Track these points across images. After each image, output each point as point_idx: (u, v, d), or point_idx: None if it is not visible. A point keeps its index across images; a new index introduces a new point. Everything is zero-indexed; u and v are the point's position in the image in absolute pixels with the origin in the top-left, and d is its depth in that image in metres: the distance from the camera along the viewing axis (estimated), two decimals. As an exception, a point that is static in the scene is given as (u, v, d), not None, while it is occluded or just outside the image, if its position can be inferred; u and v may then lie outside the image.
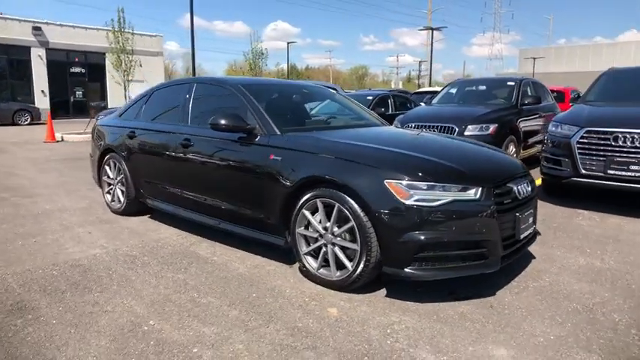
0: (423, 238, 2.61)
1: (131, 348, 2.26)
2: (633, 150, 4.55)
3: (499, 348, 2.29)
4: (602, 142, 4.75)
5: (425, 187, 2.66)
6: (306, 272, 3.10)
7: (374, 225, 2.70)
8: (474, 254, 2.72)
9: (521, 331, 2.45)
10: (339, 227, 2.89)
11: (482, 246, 2.72)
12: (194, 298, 2.84)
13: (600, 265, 3.43)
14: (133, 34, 16.37)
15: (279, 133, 3.35)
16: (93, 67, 26.05)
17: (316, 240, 3.03)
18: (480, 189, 2.71)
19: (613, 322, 2.55)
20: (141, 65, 17.83)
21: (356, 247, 2.78)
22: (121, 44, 16.08)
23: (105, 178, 4.95)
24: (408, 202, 2.63)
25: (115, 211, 4.84)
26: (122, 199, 4.73)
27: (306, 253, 3.08)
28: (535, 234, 3.31)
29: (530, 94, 7.64)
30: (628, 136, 4.58)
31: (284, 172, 3.12)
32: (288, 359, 2.17)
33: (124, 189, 4.69)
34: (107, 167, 4.88)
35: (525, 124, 7.13)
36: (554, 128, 5.34)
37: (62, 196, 5.79)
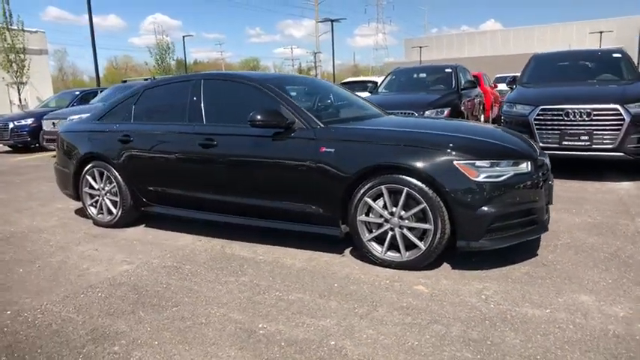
0: (494, 210, 2.88)
1: (269, 353, 2.21)
2: (582, 123, 5.34)
3: (580, 295, 2.66)
4: (555, 117, 5.49)
5: (488, 165, 2.94)
6: (371, 257, 3.21)
7: (446, 204, 2.91)
8: (529, 221, 3.07)
9: (584, 280, 2.86)
10: (405, 210, 3.05)
11: (533, 213, 3.08)
12: (280, 296, 2.81)
13: (592, 221, 4.04)
14: (22, 30, 14.44)
15: (322, 125, 3.38)
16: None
17: (380, 225, 3.15)
18: (529, 162, 3.06)
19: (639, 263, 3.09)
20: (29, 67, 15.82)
21: (428, 226, 2.97)
22: (9, 42, 14.10)
23: (86, 189, 4.49)
24: (478, 180, 2.88)
25: (104, 225, 4.43)
26: (114, 210, 4.35)
27: (369, 240, 3.19)
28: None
29: (463, 79, 8.41)
30: (577, 111, 5.36)
31: (340, 163, 3.19)
32: (424, 334, 2.31)
33: (116, 199, 4.31)
34: (89, 177, 4.43)
35: (466, 107, 7.86)
36: (508, 108, 6.02)
37: (17, 215, 5.11)
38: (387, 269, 3.13)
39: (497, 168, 2.94)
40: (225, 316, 2.59)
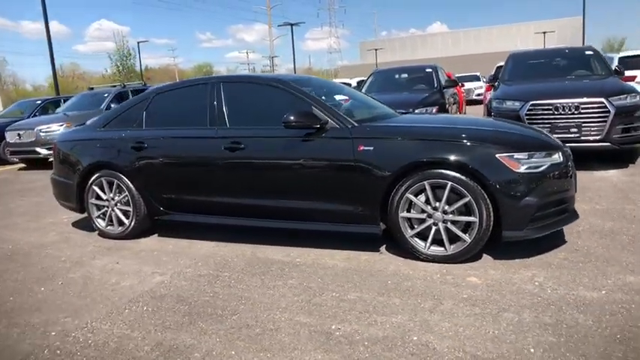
0: (536, 200, 2.99)
1: (357, 354, 2.19)
2: (571, 116, 5.64)
3: (626, 276, 2.80)
4: (545, 112, 5.75)
5: (526, 157, 3.05)
6: (414, 253, 3.24)
7: (490, 196, 2.99)
8: (562, 209, 3.21)
9: (622, 262, 3.01)
10: (449, 205, 3.11)
11: (566, 201, 3.22)
12: (338, 297, 2.78)
13: (600, 207, 4.27)
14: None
15: (356, 124, 3.39)
16: None
17: (423, 221, 3.19)
18: (560, 153, 3.20)
19: (663, 243, 3.30)
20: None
21: (473, 219, 3.04)
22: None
23: (93, 200, 4.25)
24: (520, 171, 2.98)
25: (114, 237, 4.22)
26: (126, 220, 4.15)
27: (412, 236, 3.22)
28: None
29: (442, 79, 8.66)
30: (566, 105, 5.65)
31: (380, 161, 3.20)
32: (500, 323, 2.35)
33: (128, 209, 4.12)
34: (96, 188, 4.21)
35: (449, 104, 8.09)
36: (498, 105, 6.25)
37: (8, 233, 4.78)
38: (431, 264, 3.17)
39: (535, 159, 3.06)
40: (292, 321, 2.53)
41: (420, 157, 3.10)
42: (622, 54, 10.76)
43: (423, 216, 3.18)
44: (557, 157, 3.16)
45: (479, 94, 23.01)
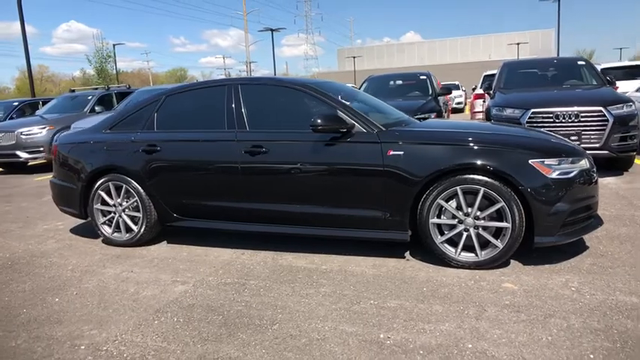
0: (568, 206, 3.01)
1: (414, 361, 2.13)
2: (571, 124, 5.76)
3: (658, 281, 2.84)
4: (546, 120, 5.86)
5: (557, 163, 3.07)
6: (444, 259, 3.20)
7: (523, 202, 2.99)
8: (589, 215, 3.24)
9: (650, 266, 3.07)
10: (481, 210, 3.09)
11: (592, 207, 3.26)
12: (378, 305, 2.72)
13: (609, 213, 4.35)
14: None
15: (384, 129, 3.34)
16: None
17: (453, 227, 3.17)
18: (586, 159, 3.24)
19: (682, 248, 3.37)
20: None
21: (506, 224, 3.04)
22: None
23: (98, 206, 4.06)
24: (552, 177, 3.00)
25: (121, 244, 4.03)
26: (135, 227, 3.97)
27: (442, 242, 3.19)
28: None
29: (435, 85, 8.74)
30: (566, 113, 5.77)
31: (411, 166, 3.16)
32: (551, 329, 2.34)
33: (137, 215, 3.95)
34: (102, 193, 4.02)
35: (445, 111, 8.18)
36: (498, 112, 6.33)
37: (7, 240, 4.51)
38: (461, 270, 3.14)
39: (565, 165, 3.08)
40: (336, 330, 2.45)
41: (453, 163, 3.08)
42: (604, 65, 11.13)
43: (454, 222, 3.16)
44: (584, 164, 3.20)
45: (458, 103, 23.50)
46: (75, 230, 4.69)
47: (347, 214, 3.38)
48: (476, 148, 3.11)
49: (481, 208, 3.09)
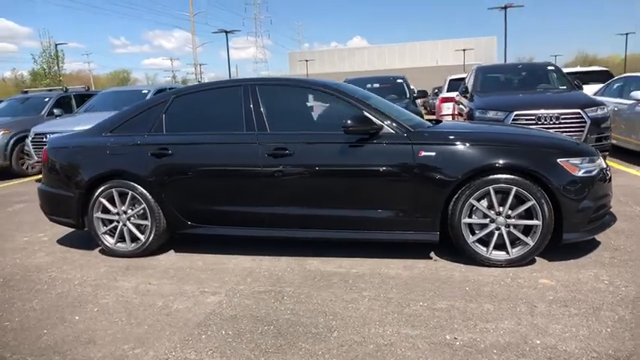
0: (593, 203, 3.15)
1: (493, 360, 2.13)
2: (552, 126, 6.05)
3: (677, 271, 3.03)
4: (529, 122, 6.12)
5: (580, 162, 3.20)
6: (476, 258, 3.24)
7: (553, 200, 3.09)
8: (606, 212, 3.40)
9: (665, 257, 3.26)
10: (512, 209, 3.16)
11: (608, 204, 3.42)
12: (429, 306, 2.70)
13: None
14: None
15: (412, 130, 3.34)
16: None
17: (484, 226, 3.22)
18: (601, 159, 3.40)
19: (682, 240, 3.62)
20: None
21: (537, 222, 3.12)
22: None
23: (99, 215, 3.77)
24: (578, 175, 3.12)
25: (126, 255, 3.77)
26: (142, 236, 3.73)
27: (474, 241, 3.23)
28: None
29: (411, 88, 8.93)
30: (547, 115, 6.06)
31: (443, 166, 3.18)
32: (605, 321, 2.41)
33: (144, 223, 3.71)
34: (104, 200, 3.74)
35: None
36: (481, 115, 6.55)
37: (-16, 255, 4.09)
38: (494, 269, 3.19)
39: (587, 164, 3.21)
40: (399, 334, 2.41)
41: (487, 162, 3.12)
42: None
43: (486, 221, 3.21)
44: (601, 162, 3.35)
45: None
46: (63, 242, 4.33)
47: (376, 217, 3.34)
48: (507, 148, 3.18)
49: (511, 207, 3.16)
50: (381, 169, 3.30)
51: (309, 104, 3.64)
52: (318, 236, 3.48)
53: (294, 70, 49.92)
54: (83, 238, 4.31)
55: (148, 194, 3.65)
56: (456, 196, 3.19)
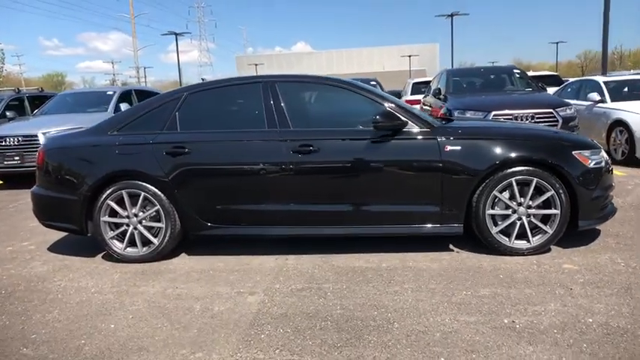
0: (603, 192, 3.38)
1: (566, 336, 2.23)
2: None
3: (678, 252, 3.32)
4: (507, 121, 6.45)
5: (590, 154, 3.42)
6: (499, 248, 3.36)
7: (570, 190, 3.28)
8: (609, 202, 3.66)
9: (662, 241, 3.56)
10: (531, 200, 3.33)
11: (611, 194, 3.68)
12: (474, 294, 2.78)
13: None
14: None
15: (436, 126, 3.43)
16: None
17: (507, 217, 3.36)
18: (603, 151, 3.66)
19: (668, 225, 3.97)
20: None
21: (555, 211, 3.30)
22: None
23: (106, 218, 3.55)
24: (591, 166, 3.34)
25: (138, 259, 3.57)
26: (156, 240, 3.55)
27: (497, 232, 3.36)
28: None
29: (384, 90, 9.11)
30: (523, 115, 6.43)
31: (469, 160, 3.28)
32: (630, 302, 2.60)
33: (157, 225, 3.53)
34: (112, 203, 3.52)
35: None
36: (460, 115, 6.81)
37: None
38: (516, 257, 3.32)
39: (596, 157, 3.45)
40: (458, 321, 2.46)
41: (509, 156, 3.26)
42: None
43: (508, 212, 3.35)
44: (604, 156, 3.61)
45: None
46: (56, 250, 4.03)
47: (403, 211, 3.40)
48: (527, 142, 3.34)
49: (531, 198, 3.33)
50: (408, 164, 3.36)
51: (331, 101, 3.64)
52: (347, 233, 3.48)
53: (242, 74, 49.28)
54: (78, 245, 4.05)
55: (162, 195, 3.49)
56: (480, 189, 3.31)
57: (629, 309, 2.51)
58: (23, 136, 6.93)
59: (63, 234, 4.33)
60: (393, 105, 3.46)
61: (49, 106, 8.50)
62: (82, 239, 4.11)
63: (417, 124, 3.40)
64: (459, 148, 3.32)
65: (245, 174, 3.47)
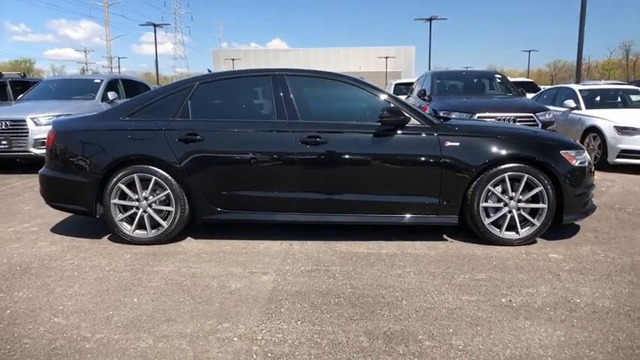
0: (586, 189, 3.70)
1: (560, 317, 2.49)
2: (509, 127, 6.78)
3: (649, 246, 3.67)
4: (490, 123, 6.80)
5: (575, 154, 3.73)
6: (490, 238, 3.63)
7: (557, 186, 3.58)
8: (590, 199, 3.98)
9: (633, 235, 3.90)
10: (522, 194, 3.61)
11: (592, 193, 4.00)
12: (470, 278, 3.02)
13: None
14: None
15: (436, 122, 3.67)
16: None
17: (498, 209, 3.63)
18: (585, 151, 3.99)
19: None
20: None
21: (543, 205, 3.59)
22: None
23: (116, 201, 3.64)
24: (576, 165, 3.65)
25: (146, 242, 3.68)
26: (164, 222, 3.67)
27: (490, 223, 3.63)
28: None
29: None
30: (506, 118, 6.78)
31: (466, 156, 3.53)
32: (627, 283, 2.90)
33: (167, 209, 3.65)
34: (122, 186, 3.62)
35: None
36: (445, 115, 7.12)
37: (-27, 245, 3.74)
38: (505, 247, 3.60)
39: (580, 157, 3.76)
40: (461, 300, 2.70)
41: (504, 153, 3.53)
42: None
43: (500, 205, 3.62)
44: (587, 156, 3.93)
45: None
46: (60, 231, 4.08)
47: (404, 202, 3.62)
48: (519, 141, 3.63)
49: (521, 192, 3.61)
50: (410, 158, 3.58)
51: (339, 96, 3.83)
52: (351, 220, 3.68)
53: (219, 69, 48.93)
54: (81, 227, 4.12)
55: (172, 180, 3.61)
56: (475, 183, 3.57)
57: (612, 292, 2.80)
58: (11, 120, 6.83)
59: (63, 216, 4.40)
60: (397, 102, 3.68)
61: (34, 92, 8.37)
62: (84, 222, 4.19)
63: (418, 120, 3.63)
64: (458, 144, 3.57)
65: (255, 162, 3.62)
